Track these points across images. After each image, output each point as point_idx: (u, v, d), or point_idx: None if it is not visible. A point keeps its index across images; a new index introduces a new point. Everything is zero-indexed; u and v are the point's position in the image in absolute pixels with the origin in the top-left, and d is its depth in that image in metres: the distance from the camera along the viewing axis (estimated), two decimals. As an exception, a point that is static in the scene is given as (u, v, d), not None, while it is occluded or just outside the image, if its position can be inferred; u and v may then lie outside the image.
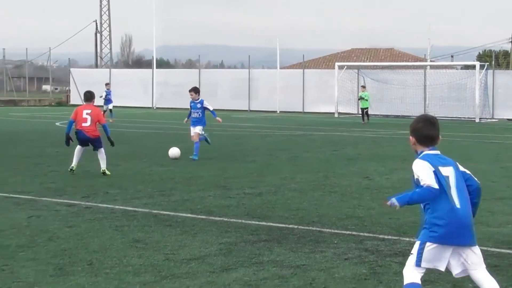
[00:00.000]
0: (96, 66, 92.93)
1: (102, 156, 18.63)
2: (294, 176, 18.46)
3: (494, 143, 31.46)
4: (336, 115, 55.79)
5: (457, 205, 6.72)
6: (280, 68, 67.08)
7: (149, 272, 8.87)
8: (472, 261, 6.85)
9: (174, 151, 22.31)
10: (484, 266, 6.93)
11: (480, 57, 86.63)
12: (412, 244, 10.47)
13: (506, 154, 26.09)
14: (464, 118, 53.13)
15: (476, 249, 6.87)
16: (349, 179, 18.09)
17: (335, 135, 35.05)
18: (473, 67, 57.46)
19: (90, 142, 18.81)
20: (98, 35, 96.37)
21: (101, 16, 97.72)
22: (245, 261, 9.47)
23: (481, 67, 55.94)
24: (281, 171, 19.65)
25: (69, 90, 76.35)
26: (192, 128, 22.96)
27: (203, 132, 22.92)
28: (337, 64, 61.07)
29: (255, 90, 65.13)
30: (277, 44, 65.45)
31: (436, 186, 6.67)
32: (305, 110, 61.56)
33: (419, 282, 6.83)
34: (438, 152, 6.98)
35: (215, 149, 25.83)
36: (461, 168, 6.99)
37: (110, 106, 45.18)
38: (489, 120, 53.59)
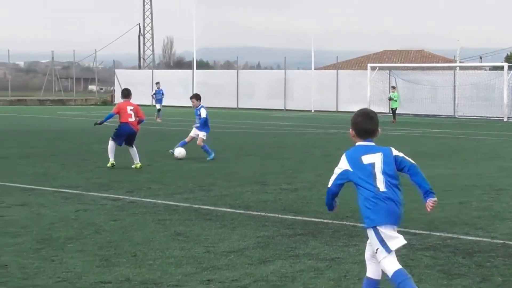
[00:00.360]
0: (139, 67, 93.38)
1: (134, 152, 19.13)
2: (329, 173, 18.31)
3: (521, 141, 31.18)
4: (368, 114, 55.45)
5: (382, 189, 6.81)
6: (315, 69, 66.95)
7: (190, 264, 8.89)
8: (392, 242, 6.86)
9: (181, 152, 21.09)
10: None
11: (508, 58, 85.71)
12: (443, 239, 10.47)
13: (533, 152, 25.83)
14: (493, 117, 52.71)
15: (394, 232, 6.87)
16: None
17: (367, 133, 34.89)
18: (501, 68, 56.99)
19: (131, 135, 19.19)
20: (141, 37, 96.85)
21: (144, 19, 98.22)
22: (282, 254, 9.46)
23: (509, 68, 55.47)
24: (316, 167, 19.61)
25: (114, 90, 76.78)
26: (195, 129, 21.71)
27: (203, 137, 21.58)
28: (369, 65, 60.88)
29: (291, 90, 65.06)
30: (312, 46, 65.35)
31: (329, 184, 7.18)
32: (339, 109, 61.39)
33: (400, 266, 6.80)
34: (372, 143, 7.10)
35: (253, 146, 25.90)
36: (395, 153, 7.07)
37: (159, 106, 44.77)
38: (516, 119, 53.08)
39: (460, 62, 65.47)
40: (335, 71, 64.84)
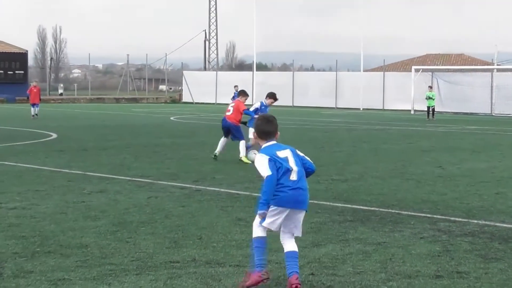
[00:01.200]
0: (205, 69, 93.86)
1: (241, 146, 18.86)
2: (376, 165, 18.29)
3: (554, 137, 30.64)
4: (412, 112, 55.13)
5: (294, 177, 7.05)
6: (363, 71, 66.55)
7: (250, 246, 8.88)
8: (294, 223, 7.17)
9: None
10: (299, 235, 7.23)
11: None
12: (480, 226, 10.36)
13: None
14: (527, 115, 51.95)
15: (302, 215, 7.22)
16: (423, 168, 17.83)
17: (411, 129, 34.60)
18: (536, 70, 56.11)
19: (229, 128, 19.11)
20: (207, 42, 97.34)
21: (209, 26, 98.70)
22: (333, 238, 9.43)
23: (543, 70, 54.64)
24: (364, 160, 19.50)
25: (182, 90, 77.29)
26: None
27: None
28: (413, 67, 60.35)
29: (341, 90, 64.87)
30: (361, 50, 64.99)
31: (270, 172, 6.95)
32: (385, 108, 61.00)
33: (265, 235, 7.21)
34: (274, 142, 7.21)
35: (306, 140, 25.85)
36: (299, 153, 7.27)
37: None
38: (549, 117, 52.22)
39: (497, 65, 64.46)
40: (382, 73, 64.44)
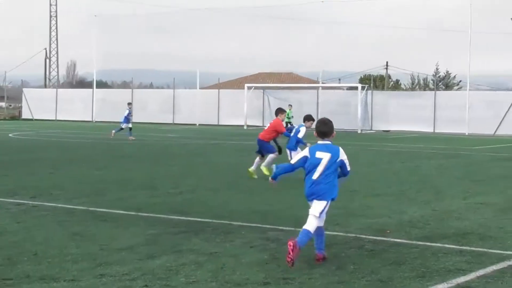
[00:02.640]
0: (45, 86, 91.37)
1: (268, 158, 18.82)
2: (209, 178, 18.32)
3: (372, 149, 31.83)
4: (245, 127, 55.89)
5: (315, 177, 8.51)
6: (200, 88, 66.88)
7: (85, 260, 8.62)
8: (311, 209, 8.63)
9: None
10: (314, 214, 8.56)
11: (361, 80, 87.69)
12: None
13: (382, 159, 26.42)
14: (349, 129, 53.74)
15: (315, 203, 8.56)
16: (255, 180, 18.03)
17: (244, 143, 34.99)
18: (356, 88, 58.36)
19: (259, 144, 19.21)
20: (47, 60, 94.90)
21: (50, 44, 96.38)
22: (167, 250, 9.30)
23: (362, 88, 56.98)
24: (199, 173, 19.50)
25: (21, 107, 74.87)
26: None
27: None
28: (246, 85, 61.27)
29: (179, 106, 64.93)
30: (197, 68, 65.33)
31: (293, 163, 8.86)
32: (220, 123, 61.52)
33: (304, 227, 8.65)
34: (328, 142, 8.65)
35: (144, 155, 25.59)
36: (342, 157, 8.63)
37: (130, 125, 39.19)
38: (368, 131, 54.41)
39: (322, 83, 66.61)
40: (217, 90, 64.99)
